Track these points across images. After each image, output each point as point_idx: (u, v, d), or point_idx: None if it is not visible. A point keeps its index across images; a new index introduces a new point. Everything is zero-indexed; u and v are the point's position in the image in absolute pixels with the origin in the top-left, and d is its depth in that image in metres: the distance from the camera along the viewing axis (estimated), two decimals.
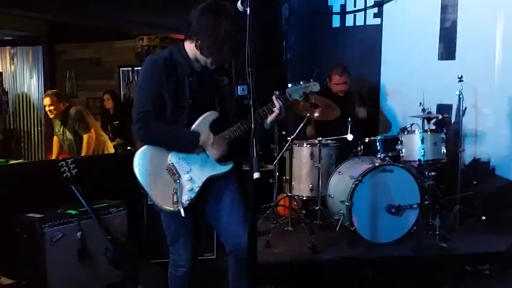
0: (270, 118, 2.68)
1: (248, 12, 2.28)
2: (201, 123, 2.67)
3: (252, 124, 2.15)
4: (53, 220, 3.53)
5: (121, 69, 7.61)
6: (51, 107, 5.31)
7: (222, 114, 2.72)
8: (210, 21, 2.54)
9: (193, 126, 2.65)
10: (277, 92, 2.71)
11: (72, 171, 3.53)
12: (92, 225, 3.59)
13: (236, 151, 2.75)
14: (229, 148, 2.70)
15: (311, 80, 2.78)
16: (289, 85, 2.74)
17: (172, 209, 2.61)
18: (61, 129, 5.46)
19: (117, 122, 7.05)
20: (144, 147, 2.65)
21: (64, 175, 3.50)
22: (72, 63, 7.97)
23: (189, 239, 2.73)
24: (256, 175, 2.08)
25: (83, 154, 5.27)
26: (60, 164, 3.53)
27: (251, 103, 2.20)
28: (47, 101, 5.32)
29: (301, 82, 2.76)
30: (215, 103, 2.73)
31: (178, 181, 2.63)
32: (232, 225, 2.72)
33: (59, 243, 3.52)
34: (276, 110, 2.65)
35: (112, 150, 5.88)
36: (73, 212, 3.65)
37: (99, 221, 3.60)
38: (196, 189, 2.65)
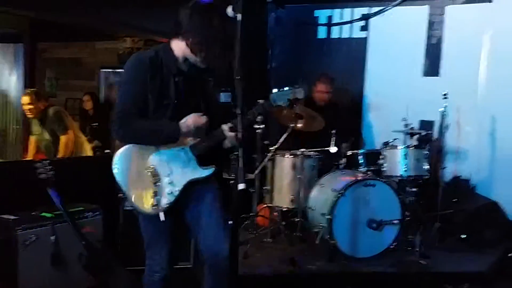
0: (226, 143, 2.63)
1: (239, 18, 2.23)
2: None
3: (239, 134, 2.09)
4: (27, 222, 3.42)
5: (102, 70, 7.49)
6: (30, 106, 5.17)
7: (207, 116, 2.63)
8: (203, 19, 2.49)
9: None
10: (261, 103, 2.65)
11: (48, 172, 3.44)
12: (67, 229, 3.49)
13: (218, 156, 2.70)
14: (211, 152, 2.63)
15: (297, 86, 2.71)
16: (274, 90, 2.68)
17: (151, 212, 2.54)
18: (39, 129, 5.32)
19: (96, 124, 6.94)
20: (124, 147, 2.57)
21: (41, 176, 3.41)
22: (53, 62, 7.82)
23: (166, 244, 2.66)
24: (241, 186, 2.01)
25: (60, 155, 5.15)
26: (36, 165, 3.43)
27: (239, 111, 2.14)
28: (26, 100, 5.19)
29: (286, 88, 2.69)
30: (201, 105, 2.67)
31: (158, 183, 2.56)
32: (211, 233, 2.64)
33: (32, 246, 3.40)
34: (226, 142, 2.60)
35: (90, 153, 5.76)
36: (48, 215, 3.55)
37: (74, 225, 3.50)
38: (176, 193, 2.59)
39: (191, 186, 2.62)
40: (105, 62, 7.40)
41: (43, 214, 3.55)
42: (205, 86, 2.76)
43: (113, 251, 3.86)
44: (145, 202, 2.55)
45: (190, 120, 2.54)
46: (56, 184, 3.44)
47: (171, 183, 2.58)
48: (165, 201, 2.56)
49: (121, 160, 2.55)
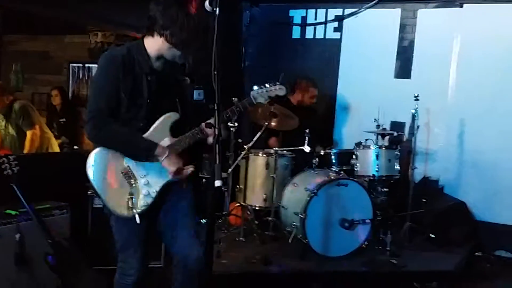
0: (210, 140, 2.55)
1: (217, 12, 2.19)
2: (161, 124, 2.53)
3: (216, 130, 2.05)
4: None
5: (71, 65, 7.32)
6: None
7: (183, 116, 2.59)
8: (179, 12, 2.42)
9: (152, 128, 2.51)
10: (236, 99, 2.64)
11: (13, 168, 3.32)
12: (32, 227, 3.36)
13: (194, 155, 2.65)
14: (188, 154, 2.57)
15: (277, 83, 2.68)
16: (254, 87, 2.64)
17: (126, 214, 2.46)
18: (3, 124, 5.15)
19: (64, 119, 6.80)
20: (99, 148, 2.49)
21: (5, 172, 3.29)
22: (19, 55, 7.58)
23: (140, 247, 2.59)
24: (217, 183, 1.98)
25: (25, 151, 5.00)
26: (1, 160, 3.30)
27: (215, 107, 2.10)
28: None
29: (267, 85, 2.66)
30: (176, 104, 2.60)
31: (134, 185, 2.49)
32: (184, 236, 2.60)
33: None
34: (209, 139, 2.53)
35: (57, 149, 5.61)
36: (13, 212, 3.41)
37: (40, 223, 3.38)
38: (153, 194, 2.51)
39: (167, 188, 2.55)
40: (74, 57, 7.23)
41: (7, 211, 3.42)
42: (181, 85, 2.71)
43: (81, 250, 3.75)
44: (121, 204, 2.47)
45: (168, 166, 2.49)
46: (22, 181, 3.31)
47: (147, 184, 2.51)
48: (141, 203, 2.49)
49: (96, 161, 2.47)
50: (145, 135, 2.50)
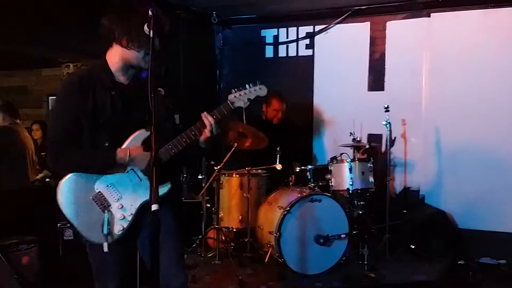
0: (202, 138, 2.45)
1: (151, 35, 2.19)
2: (133, 141, 2.41)
3: (153, 152, 2.02)
4: None
5: (50, 98, 7.33)
6: None
7: (156, 130, 2.29)
8: (122, 12, 2.37)
9: (123, 146, 2.40)
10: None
11: None
12: None
13: (174, 172, 2.52)
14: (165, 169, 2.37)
15: (258, 82, 2.51)
16: (232, 90, 2.48)
17: (101, 242, 2.34)
18: None
19: (45, 153, 6.75)
20: (67, 176, 2.40)
21: None
22: None
23: (117, 274, 2.47)
24: (154, 207, 1.93)
25: None
26: None
27: (152, 130, 2.07)
28: None
29: (246, 86, 2.48)
30: (145, 119, 2.37)
31: (108, 210, 2.37)
32: (166, 262, 2.40)
33: None
34: (206, 131, 2.41)
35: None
36: None
37: (6, 259, 3.34)
38: (129, 218, 2.39)
39: (145, 210, 2.36)
40: (53, 89, 7.23)
41: None
42: (151, 98, 2.38)
43: (52, 284, 3.70)
44: (94, 231, 2.35)
45: (129, 149, 2.37)
46: None
47: (121, 208, 2.39)
48: (117, 228, 2.37)
49: (65, 189, 2.37)
50: None
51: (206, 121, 2.42)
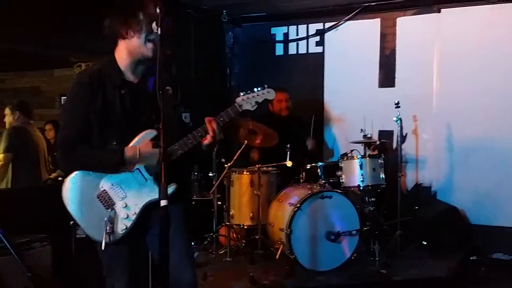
0: (205, 142, 2.44)
1: (159, 32, 2.20)
2: (142, 139, 2.42)
3: (161, 149, 2.04)
4: None
5: (62, 97, 7.40)
6: None
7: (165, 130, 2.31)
8: (120, 10, 2.40)
9: (131, 145, 2.42)
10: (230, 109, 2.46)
11: None
12: (12, 261, 3.34)
13: (180, 172, 2.51)
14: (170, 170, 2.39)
15: (265, 86, 2.48)
16: (241, 93, 2.47)
17: (105, 240, 2.35)
18: None
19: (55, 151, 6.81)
20: (74, 173, 2.42)
21: None
22: (11, 92, 7.69)
23: (126, 271, 2.49)
24: (163, 202, 1.95)
25: None
26: None
27: (160, 127, 2.09)
28: None
29: (254, 89, 2.47)
30: (154, 118, 2.40)
31: (112, 209, 2.39)
32: (175, 258, 2.39)
33: None
34: (209, 137, 2.42)
35: None
36: None
37: (19, 257, 3.36)
38: (133, 217, 2.41)
39: (153, 208, 2.40)
40: (65, 89, 7.28)
41: None
42: (160, 97, 2.35)
43: (64, 282, 3.73)
44: (98, 230, 2.36)
45: (138, 146, 2.38)
46: (0, 214, 3.31)
47: (126, 206, 2.40)
48: (121, 227, 2.38)
49: (70, 187, 2.40)
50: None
51: (209, 127, 2.42)
